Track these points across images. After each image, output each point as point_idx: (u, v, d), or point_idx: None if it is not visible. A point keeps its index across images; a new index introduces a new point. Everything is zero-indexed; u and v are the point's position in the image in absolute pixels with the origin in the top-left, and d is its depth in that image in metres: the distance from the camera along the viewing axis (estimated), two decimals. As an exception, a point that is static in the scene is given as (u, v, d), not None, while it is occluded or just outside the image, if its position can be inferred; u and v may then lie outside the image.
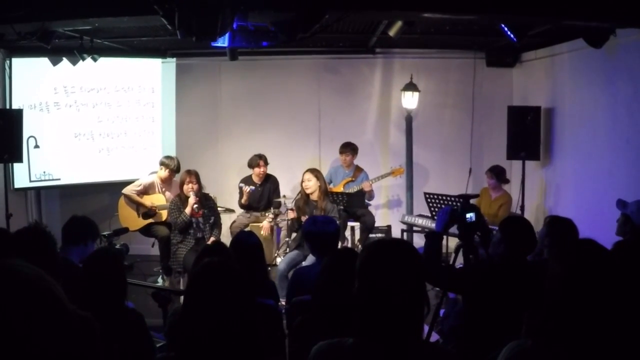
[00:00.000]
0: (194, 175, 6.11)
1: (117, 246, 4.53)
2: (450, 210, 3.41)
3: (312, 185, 5.86)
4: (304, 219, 5.74)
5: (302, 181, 5.96)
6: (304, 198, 5.98)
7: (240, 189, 6.98)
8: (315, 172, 5.96)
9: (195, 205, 6.00)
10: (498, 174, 6.56)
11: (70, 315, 1.03)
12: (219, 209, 6.79)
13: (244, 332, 1.77)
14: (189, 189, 6.04)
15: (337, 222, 4.77)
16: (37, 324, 0.96)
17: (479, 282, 3.16)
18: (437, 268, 3.31)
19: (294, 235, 6.19)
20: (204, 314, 1.77)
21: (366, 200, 7.20)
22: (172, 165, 6.60)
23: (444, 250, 3.65)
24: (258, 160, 7.04)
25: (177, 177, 6.78)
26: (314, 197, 5.89)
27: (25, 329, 0.95)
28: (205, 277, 1.87)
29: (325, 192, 5.96)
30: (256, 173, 7.08)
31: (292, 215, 6.07)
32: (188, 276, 3.90)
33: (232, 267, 1.90)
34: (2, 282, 0.98)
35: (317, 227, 3.92)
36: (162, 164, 6.66)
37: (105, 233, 4.67)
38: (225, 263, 1.91)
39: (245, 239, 3.70)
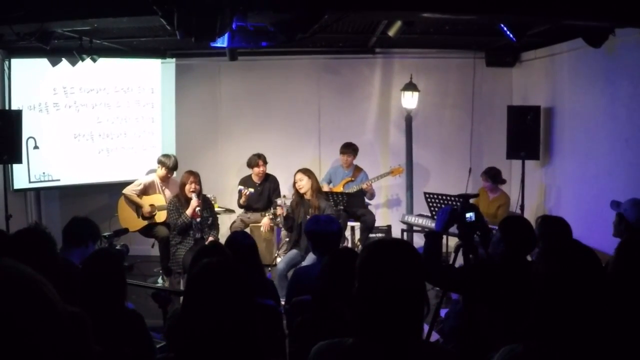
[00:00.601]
0: (196, 176, 6.10)
1: (118, 247, 4.53)
2: (450, 210, 3.41)
3: (304, 184, 5.86)
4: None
5: (295, 182, 5.95)
6: (296, 199, 5.98)
7: (240, 191, 6.97)
8: (307, 172, 5.95)
9: (198, 208, 5.99)
10: (493, 177, 6.59)
11: (59, 313, 1.03)
12: (219, 209, 6.80)
13: (244, 333, 1.76)
14: (191, 189, 6.02)
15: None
16: (24, 322, 0.96)
17: (479, 281, 3.16)
18: (437, 268, 3.31)
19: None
20: (203, 315, 1.76)
21: (367, 200, 7.20)
22: (168, 164, 6.60)
23: (444, 249, 3.65)
24: (257, 159, 7.04)
25: (176, 176, 6.81)
26: (308, 196, 5.89)
27: (12, 327, 0.94)
28: (204, 278, 1.86)
29: (318, 190, 5.96)
30: (255, 172, 7.08)
31: (280, 211, 6.10)
32: (187, 276, 3.90)
33: (231, 267, 1.89)
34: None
35: (319, 226, 3.91)
36: (159, 162, 6.67)
37: (105, 234, 4.67)
38: (224, 263, 1.91)
39: (240, 240, 3.70)
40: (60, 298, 1.04)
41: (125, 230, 5.82)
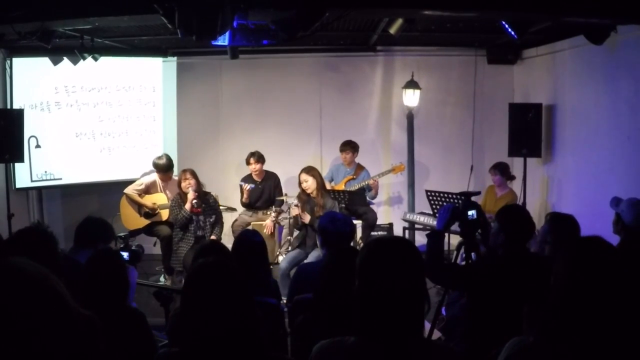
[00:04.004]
0: (189, 172, 6.19)
1: (133, 247, 4.49)
2: (451, 208, 3.40)
3: (310, 185, 5.82)
4: (306, 218, 5.71)
5: (300, 182, 5.91)
6: (303, 197, 5.94)
7: (241, 187, 6.98)
8: (311, 171, 5.91)
9: (195, 201, 6.05)
10: (502, 170, 6.54)
11: (72, 314, 1.03)
12: (221, 207, 6.80)
13: (243, 330, 1.76)
14: (187, 185, 6.11)
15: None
16: (40, 322, 0.97)
17: (482, 278, 3.15)
18: (440, 267, 3.30)
19: (296, 233, 6.17)
20: (200, 313, 1.76)
21: (369, 199, 7.19)
22: (159, 164, 6.64)
23: (445, 247, 3.65)
24: (249, 157, 7.06)
25: (176, 175, 6.83)
26: (313, 195, 5.87)
27: (28, 326, 0.95)
28: (200, 277, 1.86)
29: (323, 188, 5.93)
30: (250, 170, 7.09)
31: (296, 211, 5.89)
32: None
33: (227, 265, 1.89)
34: (5, 279, 0.98)
35: (334, 225, 3.89)
36: (153, 165, 6.73)
37: (121, 234, 4.67)
38: (220, 262, 1.90)
39: (249, 238, 3.70)
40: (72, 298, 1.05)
41: (140, 231, 5.83)
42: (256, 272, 3.45)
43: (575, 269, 1.74)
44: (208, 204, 6.29)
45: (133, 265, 3.86)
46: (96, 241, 3.76)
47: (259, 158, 7.03)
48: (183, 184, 6.13)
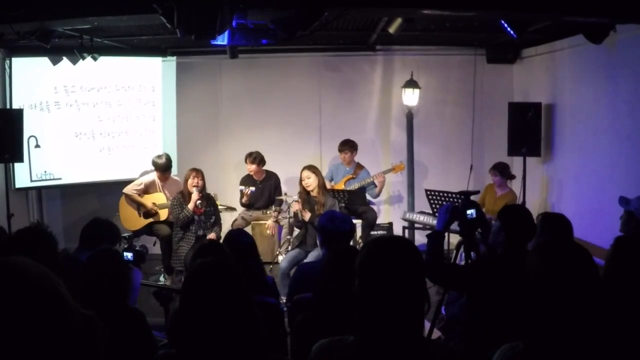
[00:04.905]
0: (200, 173, 6.22)
1: (137, 247, 4.48)
2: (450, 208, 3.40)
3: (312, 182, 5.82)
4: (307, 216, 5.70)
5: (302, 179, 5.90)
6: (303, 196, 5.93)
7: (241, 191, 6.98)
8: (313, 169, 5.91)
9: (199, 202, 6.07)
10: (502, 170, 6.54)
11: (73, 314, 1.03)
12: (220, 206, 6.81)
13: (241, 330, 1.76)
14: (193, 184, 6.13)
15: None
16: (40, 322, 0.97)
17: (481, 278, 3.15)
18: (440, 268, 3.30)
19: (296, 232, 6.17)
20: (198, 313, 1.76)
21: (370, 198, 7.18)
22: (159, 163, 6.63)
23: (445, 247, 3.65)
24: (246, 158, 7.06)
25: (177, 174, 6.83)
26: (314, 193, 5.86)
27: (28, 326, 0.95)
28: (199, 277, 1.86)
29: (324, 187, 5.93)
30: (247, 170, 7.10)
31: (297, 206, 5.86)
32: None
33: (226, 265, 1.89)
34: (6, 278, 0.98)
35: (334, 224, 3.89)
36: (152, 164, 6.74)
37: (125, 234, 4.66)
38: (218, 262, 1.90)
39: (237, 238, 3.70)
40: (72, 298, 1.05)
41: (142, 231, 5.80)
42: (248, 272, 3.45)
43: (548, 271, 1.75)
44: (211, 205, 6.31)
45: (137, 267, 3.85)
46: (102, 242, 3.74)
47: (254, 159, 7.03)
48: (190, 181, 6.15)
